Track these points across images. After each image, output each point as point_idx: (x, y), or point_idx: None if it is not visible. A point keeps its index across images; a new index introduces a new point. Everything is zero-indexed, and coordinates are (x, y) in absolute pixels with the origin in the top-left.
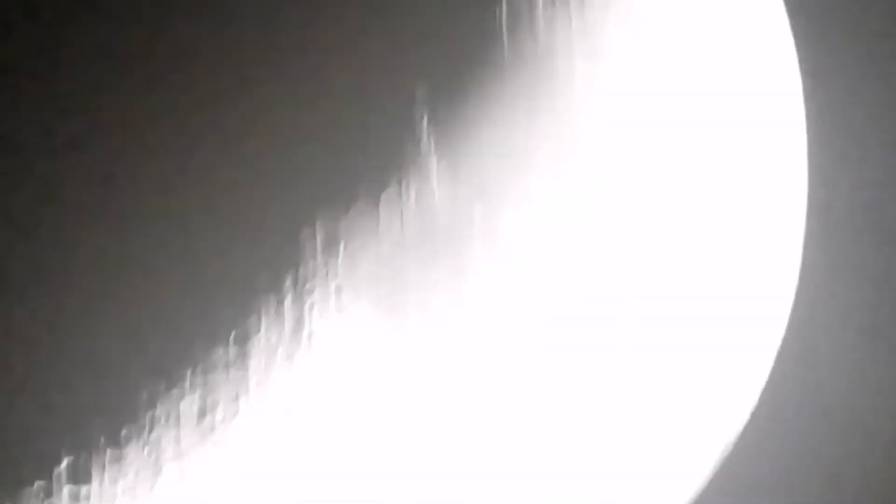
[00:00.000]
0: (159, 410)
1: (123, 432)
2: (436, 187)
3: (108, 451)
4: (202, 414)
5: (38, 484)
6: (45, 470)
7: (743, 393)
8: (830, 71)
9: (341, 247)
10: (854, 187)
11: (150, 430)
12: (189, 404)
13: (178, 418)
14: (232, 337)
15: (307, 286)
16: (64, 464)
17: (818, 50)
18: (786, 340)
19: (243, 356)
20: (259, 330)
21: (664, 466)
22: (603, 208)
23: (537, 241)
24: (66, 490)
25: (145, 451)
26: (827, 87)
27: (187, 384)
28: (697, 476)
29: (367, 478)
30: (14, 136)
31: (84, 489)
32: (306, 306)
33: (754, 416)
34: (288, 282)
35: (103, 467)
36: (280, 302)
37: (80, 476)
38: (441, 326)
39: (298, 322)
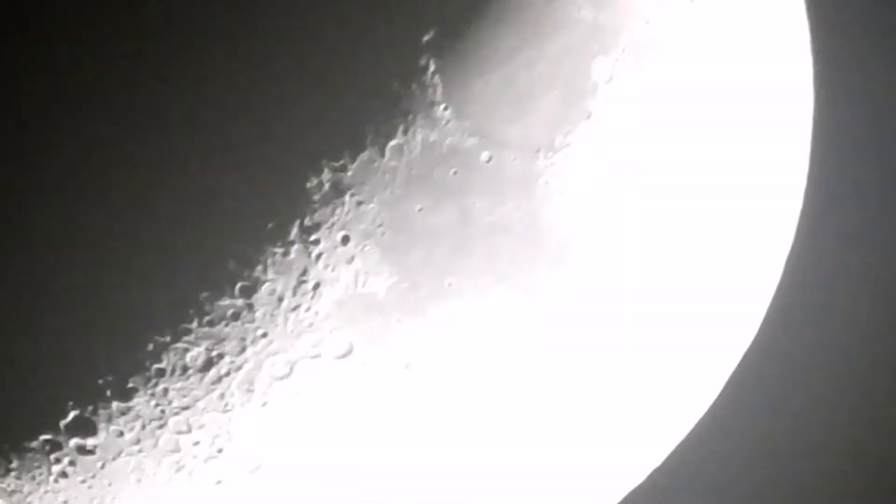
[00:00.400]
0: (165, 362)
1: (129, 384)
2: (442, 134)
3: (114, 404)
4: (208, 365)
5: (43, 437)
6: (50, 423)
7: (712, 385)
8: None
9: (347, 196)
10: (849, 193)
11: (156, 382)
12: (195, 356)
13: (184, 370)
14: (237, 288)
15: (313, 236)
16: (70, 416)
17: (834, 52)
18: (758, 338)
19: (249, 307)
20: (265, 281)
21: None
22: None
23: (542, 186)
24: (73, 443)
25: (151, 402)
26: (836, 93)
27: (193, 336)
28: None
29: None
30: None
31: (90, 441)
32: (312, 256)
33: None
34: (294, 232)
35: (109, 420)
36: (286, 252)
37: (85, 429)
38: (447, 273)
39: (304, 272)
